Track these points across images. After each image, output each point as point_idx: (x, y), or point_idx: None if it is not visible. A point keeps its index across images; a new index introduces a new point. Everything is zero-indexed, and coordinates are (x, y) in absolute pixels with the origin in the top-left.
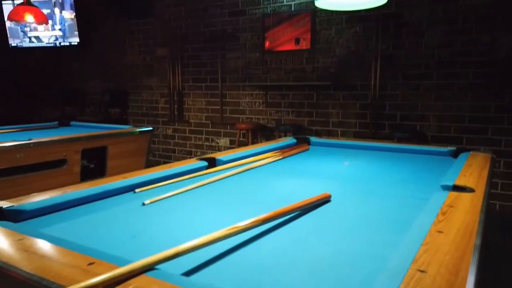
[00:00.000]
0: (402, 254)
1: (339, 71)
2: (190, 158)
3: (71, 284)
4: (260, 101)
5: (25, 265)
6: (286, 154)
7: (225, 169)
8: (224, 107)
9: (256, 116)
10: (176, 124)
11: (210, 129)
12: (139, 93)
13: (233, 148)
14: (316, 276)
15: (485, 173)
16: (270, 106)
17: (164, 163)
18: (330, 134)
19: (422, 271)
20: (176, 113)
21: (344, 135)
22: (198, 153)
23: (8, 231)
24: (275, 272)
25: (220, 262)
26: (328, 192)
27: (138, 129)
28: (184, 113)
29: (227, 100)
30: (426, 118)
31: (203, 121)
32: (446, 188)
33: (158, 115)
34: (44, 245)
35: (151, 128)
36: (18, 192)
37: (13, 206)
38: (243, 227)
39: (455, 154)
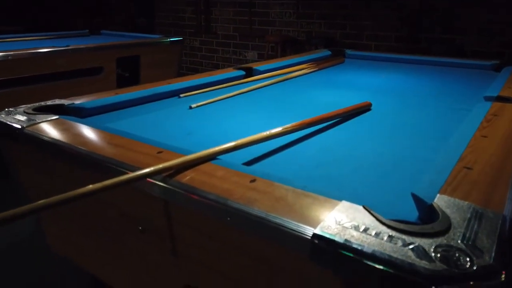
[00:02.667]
0: (447, 155)
1: None
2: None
3: (147, 167)
4: (291, 11)
5: (105, 152)
6: (322, 66)
7: (262, 79)
8: (252, 18)
9: (286, 28)
10: (203, 35)
11: (238, 41)
12: (165, 2)
13: (263, 60)
14: (361, 171)
15: None
16: (301, 17)
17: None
18: (364, 47)
19: (468, 168)
20: (203, 23)
21: (378, 49)
22: (226, 67)
23: (77, 124)
24: (323, 167)
25: (274, 157)
26: (368, 101)
27: (168, 39)
28: (212, 24)
29: (256, 10)
30: (468, 30)
31: (231, 33)
32: (489, 99)
33: (185, 26)
34: (116, 137)
35: (181, 38)
36: (60, 97)
37: (73, 103)
38: (292, 128)
39: (497, 68)
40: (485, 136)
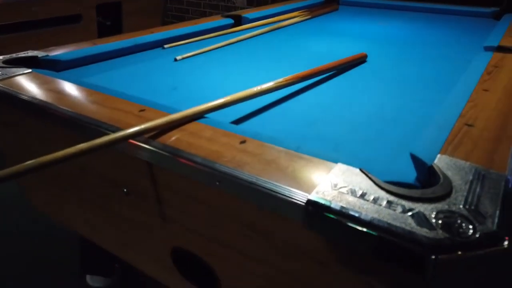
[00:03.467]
0: (447, 110)
1: None
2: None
3: (127, 127)
4: None
5: (82, 110)
6: (315, 13)
7: (252, 27)
8: None
9: None
10: None
11: None
12: None
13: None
14: (357, 129)
15: None
16: None
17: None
18: None
19: (469, 125)
20: None
21: None
22: (214, 14)
23: (51, 79)
24: (317, 125)
25: (264, 114)
26: (364, 52)
27: None
28: None
29: None
30: None
31: None
32: (490, 49)
33: None
34: (94, 93)
35: None
36: (35, 48)
37: (47, 55)
38: (283, 82)
39: (497, 16)
40: (486, 90)
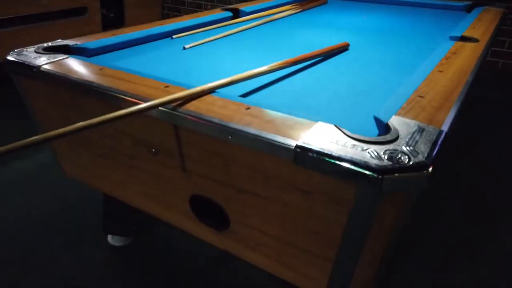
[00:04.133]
0: (408, 86)
1: None
2: (205, 10)
3: (158, 98)
4: None
5: (121, 86)
6: (305, 7)
7: (249, 20)
8: None
9: None
10: None
11: None
12: None
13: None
14: (335, 101)
15: (492, 27)
16: None
17: (174, 16)
18: None
19: (421, 97)
20: None
21: None
22: (209, 7)
23: (88, 63)
24: (304, 98)
25: (263, 91)
26: (347, 41)
27: None
28: None
29: None
30: None
31: None
32: (454, 38)
33: None
34: (127, 74)
35: None
36: (47, 39)
37: (77, 44)
38: (278, 66)
39: (469, 9)
40: (441, 71)
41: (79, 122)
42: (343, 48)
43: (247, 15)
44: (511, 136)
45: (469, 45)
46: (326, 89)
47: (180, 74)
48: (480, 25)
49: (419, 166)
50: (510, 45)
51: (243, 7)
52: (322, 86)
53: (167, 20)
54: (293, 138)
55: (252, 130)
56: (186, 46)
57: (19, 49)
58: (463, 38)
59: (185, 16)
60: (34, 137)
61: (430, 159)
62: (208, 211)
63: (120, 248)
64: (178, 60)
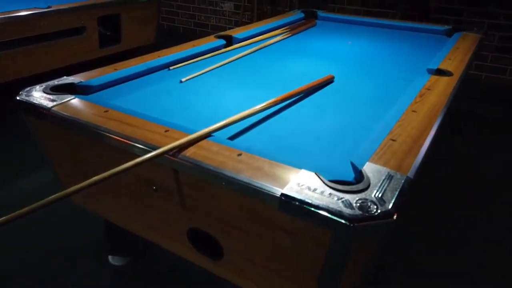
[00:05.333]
0: (383, 127)
1: None
2: (199, 29)
3: (159, 144)
4: None
5: (123, 130)
6: (295, 31)
7: (241, 46)
8: None
9: None
10: None
11: None
12: None
13: (239, 13)
14: (317, 142)
15: (467, 57)
16: None
17: (168, 26)
18: (337, 1)
19: (393, 140)
20: None
21: (350, 3)
22: (202, 18)
23: (94, 105)
24: (289, 139)
25: (252, 131)
26: (331, 74)
27: None
28: None
29: None
30: None
31: None
32: (430, 71)
33: None
34: (125, 117)
35: None
36: (47, 58)
37: (81, 81)
38: (266, 105)
39: (449, 33)
40: (414, 111)
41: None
42: (329, 81)
43: (240, 41)
44: (494, 148)
45: (443, 80)
46: (309, 129)
47: (178, 113)
48: (456, 55)
49: (385, 215)
50: (492, 59)
51: (235, 33)
52: (306, 126)
53: (164, 51)
54: (278, 186)
55: (242, 177)
56: (183, 80)
57: (28, 89)
58: (439, 71)
59: (180, 46)
60: (44, 200)
61: (395, 208)
62: (205, 242)
63: (121, 267)
64: (176, 95)
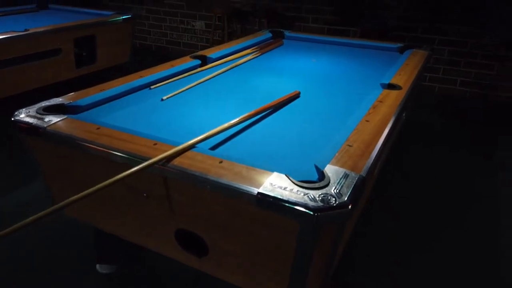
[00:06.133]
0: (342, 135)
1: None
2: (171, 46)
3: (150, 156)
4: None
5: (116, 145)
6: (264, 50)
7: (215, 65)
8: None
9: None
10: (150, 4)
11: (185, 11)
12: None
13: (210, 31)
14: (287, 149)
15: (415, 72)
16: None
17: (140, 44)
18: (302, 20)
19: (349, 146)
20: None
21: (315, 21)
22: (174, 36)
23: (86, 123)
24: (265, 147)
25: (230, 142)
26: (298, 90)
27: (121, 17)
28: None
29: None
30: (390, 7)
31: (178, 2)
32: (383, 86)
33: None
34: (116, 133)
35: (131, 16)
36: (25, 79)
37: (71, 102)
38: (241, 120)
39: (401, 50)
40: (367, 121)
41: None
42: (295, 96)
43: (214, 61)
44: (448, 152)
45: (393, 93)
46: (280, 139)
47: (163, 128)
48: (406, 71)
49: (342, 205)
50: (444, 71)
51: (210, 53)
52: (277, 136)
53: (145, 72)
54: (255, 187)
55: (224, 181)
56: (164, 98)
57: (21, 110)
58: (390, 86)
59: (159, 67)
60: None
61: (350, 199)
62: (191, 241)
63: (110, 275)
64: (159, 113)
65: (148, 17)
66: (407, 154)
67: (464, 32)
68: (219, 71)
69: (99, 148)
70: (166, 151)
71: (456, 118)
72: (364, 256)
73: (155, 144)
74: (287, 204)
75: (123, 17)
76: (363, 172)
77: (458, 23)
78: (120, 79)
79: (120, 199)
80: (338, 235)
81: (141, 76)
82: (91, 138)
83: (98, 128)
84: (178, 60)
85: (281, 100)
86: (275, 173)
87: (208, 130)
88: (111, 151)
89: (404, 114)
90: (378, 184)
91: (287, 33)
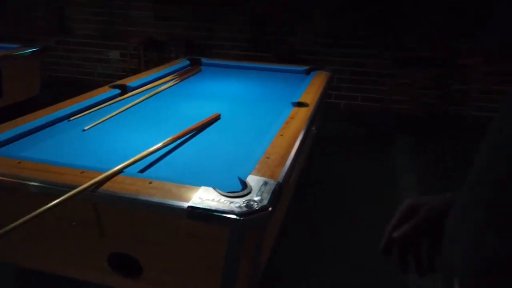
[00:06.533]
0: (260, 149)
1: None
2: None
3: (78, 184)
4: (151, 13)
5: (41, 178)
6: (183, 77)
7: (136, 94)
8: (112, 19)
9: (147, 29)
10: (60, 36)
11: (98, 41)
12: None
13: (125, 60)
14: (212, 165)
15: (319, 90)
16: (161, 19)
17: (50, 77)
18: (218, 47)
19: (267, 158)
20: (57, 23)
21: (231, 48)
22: (87, 66)
23: (5, 158)
24: (191, 166)
25: (159, 164)
26: (218, 112)
27: (29, 50)
28: (69, 23)
29: (116, 10)
30: (298, 34)
31: (90, 32)
32: (293, 104)
33: (38, 25)
34: (40, 165)
35: (39, 48)
36: None
37: None
38: (165, 143)
39: (308, 72)
40: (282, 135)
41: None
42: (216, 118)
43: (134, 89)
44: (357, 160)
45: (302, 110)
46: (205, 157)
47: (88, 157)
48: (312, 90)
49: (263, 209)
50: (346, 88)
51: (129, 82)
52: (203, 155)
53: (64, 103)
54: (185, 201)
55: (156, 199)
56: (86, 128)
57: None
58: (299, 104)
59: (78, 98)
60: None
61: (270, 203)
62: (124, 264)
63: None
64: (83, 142)
65: (58, 48)
66: (319, 164)
67: (362, 54)
68: (140, 98)
69: (24, 181)
70: (94, 178)
71: (360, 129)
72: (286, 266)
73: (82, 172)
74: (216, 213)
75: (31, 50)
76: (280, 179)
77: (357, 47)
78: (37, 112)
79: (48, 231)
80: (260, 238)
81: (59, 108)
82: (13, 173)
83: (19, 162)
84: (96, 91)
85: (203, 122)
86: (203, 187)
87: (134, 155)
88: (36, 183)
89: (314, 128)
90: (296, 195)
91: (204, 60)
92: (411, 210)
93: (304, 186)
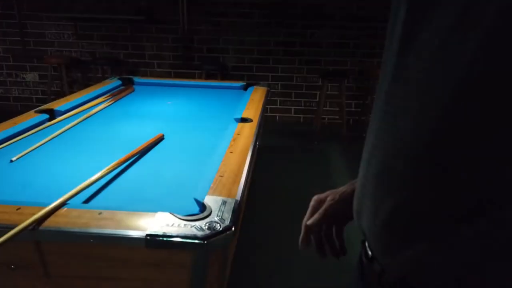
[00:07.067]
0: (212, 168)
1: (150, 4)
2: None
3: (15, 223)
4: (70, 32)
5: None
6: (117, 97)
7: (67, 118)
8: (26, 39)
9: (67, 49)
10: None
11: (11, 63)
12: None
13: (45, 82)
14: (167, 188)
15: (260, 105)
16: (82, 38)
17: None
18: (147, 66)
19: (221, 176)
20: None
21: (160, 66)
22: (1, 91)
23: None
24: (142, 192)
25: (105, 191)
26: (161, 133)
27: None
28: None
29: (29, 30)
30: (227, 51)
31: (3, 54)
32: (237, 120)
33: None
34: None
35: None
36: None
37: None
38: (110, 169)
39: (245, 88)
40: (231, 152)
41: None
42: (160, 139)
43: (64, 113)
44: (293, 169)
45: (247, 125)
46: (155, 181)
47: (22, 191)
48: (253, 105)
49: (226, 229)
50: (280, 102)
51: (57, 106)
52: (152, 178)
53: None
54: (142, 229)
55: (109, 231)
56: (13, 159)
57: None
58: (243, 120)
59: (2, 125)
60: None
61: (232, 222)
62: None
63: None
64: (13, 175)
65: None
66: (263, 175)
67: (290, 68)
68: (73, 122)
69: None
70: (34, 213)
71: (295, 139)
72: (248, 279)
73: (18, 208)
74: (177, 239)
75: None
76: (237, 197)
77: (283, 63)
78: None
79: None
80: (225, 258)
81: None
82: None
83: None
84: (21, 117)
85: (146, 144)
86: (159, 213)
87: (75, 186)
88: None
89: (257, 142)
90: (246, 208)
91: (136, 79)
92: (319, 203)
93: (252, 199)
